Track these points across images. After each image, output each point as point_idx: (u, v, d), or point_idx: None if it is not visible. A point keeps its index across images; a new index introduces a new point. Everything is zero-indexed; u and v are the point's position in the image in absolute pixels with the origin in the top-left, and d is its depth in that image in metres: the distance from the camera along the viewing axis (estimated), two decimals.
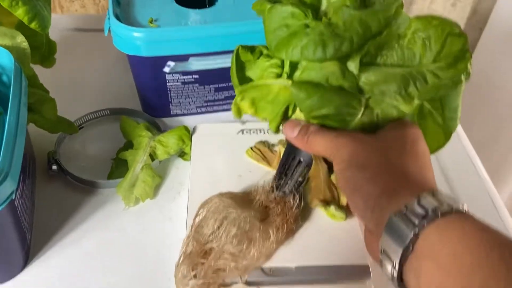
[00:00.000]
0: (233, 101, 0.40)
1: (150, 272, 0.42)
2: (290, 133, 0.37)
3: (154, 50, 0.49)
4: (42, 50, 0.51)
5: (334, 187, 0.42)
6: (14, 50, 0.43)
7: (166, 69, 0.51)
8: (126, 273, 0.42)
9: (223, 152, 0.48)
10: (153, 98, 0.55)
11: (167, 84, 0.53)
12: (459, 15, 0.93)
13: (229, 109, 0.58)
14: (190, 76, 0.53)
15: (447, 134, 0.38)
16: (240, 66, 0.41)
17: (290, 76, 0.37)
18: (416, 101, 0.35)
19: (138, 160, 0.48)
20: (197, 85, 0.54)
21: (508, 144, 0.95)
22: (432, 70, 0.34)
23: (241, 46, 0.41)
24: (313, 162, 0.39)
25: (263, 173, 0.46)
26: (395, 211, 0.27)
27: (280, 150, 0.47)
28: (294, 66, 0.37)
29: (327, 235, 0.41)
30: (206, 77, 0.53)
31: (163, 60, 0.50)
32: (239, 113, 0.40)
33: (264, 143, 0.49)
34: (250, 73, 0.40)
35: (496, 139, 0.99)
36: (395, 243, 0.27)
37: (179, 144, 0.49)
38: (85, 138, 0.54)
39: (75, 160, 0.51)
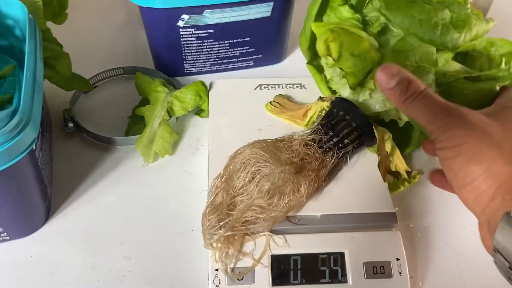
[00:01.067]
0: (322, 39, 0.38)
1: (173, 224, 0.42)
2: (385, 82, 0.30)
3: (167, 1, 0.47)
4: (53, 6, 0.49)
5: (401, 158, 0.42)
6: (26, 2, 0.42)
7: (180, 23, 0.50)
8: (148, 227, 0.41)
9: (242, 107, 0.47)
10: (167, 55, 0.54)
11: (181, 39, 0.52)
12: None
13: (244, 67, 0.57)
14: (205, 31, 0.51)
15: None
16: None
17: (380, 40, 0.37)
18: None
19: (156, 115, 0.47)
20: (211, 40, 0.53)
21: None
22: None
23: None
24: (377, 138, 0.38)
25: (283, 127, 0.45)
26: (509, 212, 0.24)
27: (316, 105, 0.44)
28: (383, 31, 0.36)
29: (353, 184, 0.40)
30: (221, 31, 0.52)
31: (177, 12, 0.49)
32: (327, 52, 0.38)
33: (283, 96, 0.48)
34: (325, 16, 0.39)
35: None
36: (510, 245, 0.24)
37: (196, 99, 0.48)
38: (99, 96, 0.53)
39: (90, 118, 0.51)
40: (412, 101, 0.29)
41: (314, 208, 0.38)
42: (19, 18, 0.41)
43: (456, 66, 0.38)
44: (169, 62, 0.55)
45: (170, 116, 0.48)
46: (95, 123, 0.50)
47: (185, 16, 0.49)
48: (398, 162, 0.42)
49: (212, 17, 0.50)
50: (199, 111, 0.51)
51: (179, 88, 0.52)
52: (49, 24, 0.47)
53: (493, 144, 0.27)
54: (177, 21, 0.50)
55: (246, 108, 0.47)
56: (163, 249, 0.40)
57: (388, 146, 0.41)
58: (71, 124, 0.48)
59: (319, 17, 0.40)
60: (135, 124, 0.49)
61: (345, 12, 0.38)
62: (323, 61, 0.44)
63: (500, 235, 0.24)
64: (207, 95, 0.49)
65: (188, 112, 0.49)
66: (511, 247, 0.24)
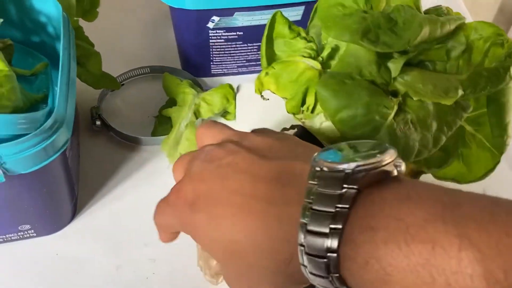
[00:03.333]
0: (257, 76, 0.38)
1: None
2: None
3: (199, 3, 0.47)
4: (84, 3, 0.49)
5: None
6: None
7: (210, 25, 0.50)
8: None
9: (269, 112, 0.47)
10: (195, 56, 0.54)
11: (210, 41, 0.51)
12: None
13: None
14: (234, 33, 0.51)
15: (495, 156, 0.35)
16: (271, 38, 0.39)
17: (325, 63, 0.35)
18: (460, 92, 0.32)
19: (183, 117, 0.47)
20: (240, 42, 0.52)
21: None
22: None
23: (280, 13, 0.39)
24: None
25: None
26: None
27: None
28: (332, 55, 0.35)
29: None
30: (250, 34, 0.51)
31: (207, 14, 0.48)
32: (259, 89, 0.38)
33: None
34: (279, 51, 0.38)
35: None
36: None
37: (223, 102, 0.48)
38: (126, 95, 0.53)
39: (117, 117, 0.51)
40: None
41: None
42: (53, 15, 0.41)
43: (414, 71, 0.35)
44: (196, 62, 0.54)
45: (197, 118, 0.47)
46: (121, 121, 0.50)
47: (215, 18, 0.49)
48: None
49: (242, 20, 0.50)
50: (225, 114, 0.51)
51: (205, 89, 0.52)
52: (80, 21, 0.47)
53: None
54: (207, 23, 0.49)
55: (273, 113, 0.47)
56: (187, 252, 0.40)
57: None
58: (98, 122, 0.48)
59: (271, 53, 0.40)
60: (162, 124, 0.49)
61: (298, 44, 0.37)
62: None
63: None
64: (235, 98, 0.49)
65: (214, 114, 0.48)
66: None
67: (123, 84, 0.54)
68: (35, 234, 0.40)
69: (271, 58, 0.41)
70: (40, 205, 0.37)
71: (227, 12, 0.49)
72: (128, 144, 0.48)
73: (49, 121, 0.31)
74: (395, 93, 0.32)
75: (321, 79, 0.33)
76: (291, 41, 0.39)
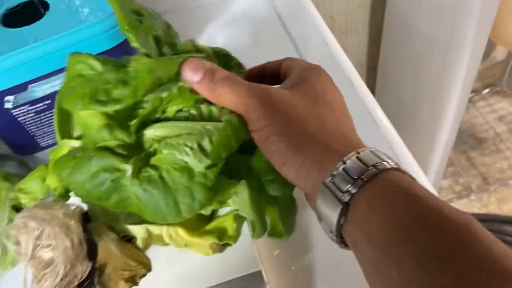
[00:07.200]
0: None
1: None
2: (191, 77, 0.29)
3: None
4: None
5: (137, 249, 0.36)
6: None
7: (8, 105, 0.45)
8: None
9: None
10: (13, 137, 0.49)
11: (19, 119, 0.47)
12: None
13: None
14: (41, 104, 0.46)
15: None
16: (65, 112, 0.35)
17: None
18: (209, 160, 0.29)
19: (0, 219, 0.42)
20: (52, 110, 0.48)
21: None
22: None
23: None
24: (98, 244, 0.33)
25: None
26: (324, 182, 0.25)
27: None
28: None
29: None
30: None
31: None
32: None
33: None
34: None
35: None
36: (329, 214, 0.25)
37: (44, 186, 0.43)
38: None
39: None
40: (220, 87, 0.29)
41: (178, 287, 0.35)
42: None
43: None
44: (20, 142, 0.50)
45: (19, 211, 0.43)
46: None
47: (10, 98, 0.44)
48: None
49: (40, 90, 0.45)
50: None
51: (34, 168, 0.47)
52: None
53: (298, 119, 0.28)
54: (3, 105, 0.44)
55: None
56: None
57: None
58: None
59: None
60: None
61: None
62: None
63: (320, 203, 0.26)
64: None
65: (41, 199, 0.44)
66: (329, 213, 0.25)
67: None
68: None
69: (69, 133, 0.37)
70: None
71: (19, 88, 0.44)
72: None
73: None
74: (141, 147, 0.29)
75: (56, 160, 0.30)
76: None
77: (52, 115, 0.48)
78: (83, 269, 0.33)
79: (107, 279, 0.34)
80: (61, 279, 0.33)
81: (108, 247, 0.34)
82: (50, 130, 0.49)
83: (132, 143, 0.30)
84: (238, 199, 0.34)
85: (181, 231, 0.37)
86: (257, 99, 0.28)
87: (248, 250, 0.36)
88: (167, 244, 0.37)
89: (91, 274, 0.33)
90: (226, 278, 0.36)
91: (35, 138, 0.49)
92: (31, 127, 0.48)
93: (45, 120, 0.48)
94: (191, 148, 0.28)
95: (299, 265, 0.39)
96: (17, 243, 0.34)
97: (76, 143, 0.34)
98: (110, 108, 0.29)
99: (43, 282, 0.33)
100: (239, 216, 0.40)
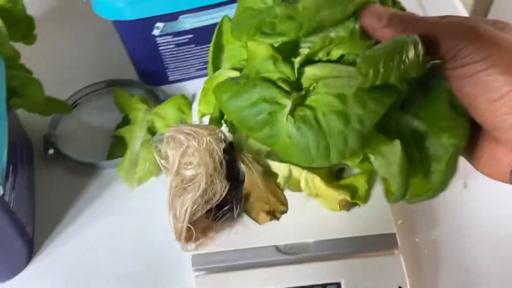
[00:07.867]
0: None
1: (159, 255, 0.39)
2: (376, 22, 0.28)
3: (138, 12, 0.43)
4: (21, 26, 0.46)
5: (277, 187, 0.36)
6: None
7: (156, 32, 0.46)
8: (134, 260, 0.39)
9: None
10: (148, 65, 0.51)
11: (160, 48, 0.48)
12: None
13: None
14: (184, 37, 0.48)
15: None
16: (219, 45, 0.36)
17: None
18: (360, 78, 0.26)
19: (135, 137, 0.44)
20: (193, 45, 0.49)
21: None
22: None
23: (228, 18, 0.35)
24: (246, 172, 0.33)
25: None
26: None
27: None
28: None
29: None
30: (202, 36, 0.48)
31: (150, 22, 0.45)
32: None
33: None
34: (231, 58, 0.35)
35: None
36: None
37: (178, 115, 0.45)
38: (82, 115, 0.51)
39: (73, 140, 0.48)
40: (415, 25, 0.27)
41: (305, 234, 0.35)
42: None
43: None
44: (151, 72, 0.51)
45: (154, 134, 0.45)
46: (78, 145, 0.47)
47: (160, 24, 0.46)
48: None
49: (189, 22, 0.46)
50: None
51: (164, 100, 0.49)
52: (22, 47, 0.44)
53: None
54: (152, 30, 0.46)
55: None
56: (150, 285, 0.38)
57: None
58: (51, 151, 0.46)
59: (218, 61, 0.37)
60: (118, 145, 0.46)
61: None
62: None
63: None
64: (191, 108, 0.46)
65: None
66: None
67: (77, 104, 0.51)
68: None
69: (218, 67, 0.38)
70: None
71: (171, 17, 0.45)
72: (86, 170, 0.46)
73: None
74: (300, 88, 0.29)
75: (217, 84, 0.30)
76: (241, 49, 0.36)
77: (190, 50, 0.49)
78: (222, 187, 0.34)
79: (250, 207, 0.34)
80: (201, 196, 0.34)
81: (253, 178, 0.34)
82: (182, 65, 0.51)
83: (294, 80, 0.30)
84: (383, 159, 0.33)
85: (317, 180, 0.37)
86: (470, 33, 0.26)
87: (381, 211, 0.36)
88: (300, 190, 0.37)
89: (235, 200, 0.34)
90: (353, 234, 0.35)
91: (167, 70, 0.51)
92: (167, 59, 0.49)
93: (182, 53, 0.49)
94: None
95: (424, 239, 0.39)
96: (166, 157, 0.35)
97: (233, 73, 0.34)
98: (273, 40, 0.29)
99: (186, 195, 0.34)
100: (372, 178, 0.40)
